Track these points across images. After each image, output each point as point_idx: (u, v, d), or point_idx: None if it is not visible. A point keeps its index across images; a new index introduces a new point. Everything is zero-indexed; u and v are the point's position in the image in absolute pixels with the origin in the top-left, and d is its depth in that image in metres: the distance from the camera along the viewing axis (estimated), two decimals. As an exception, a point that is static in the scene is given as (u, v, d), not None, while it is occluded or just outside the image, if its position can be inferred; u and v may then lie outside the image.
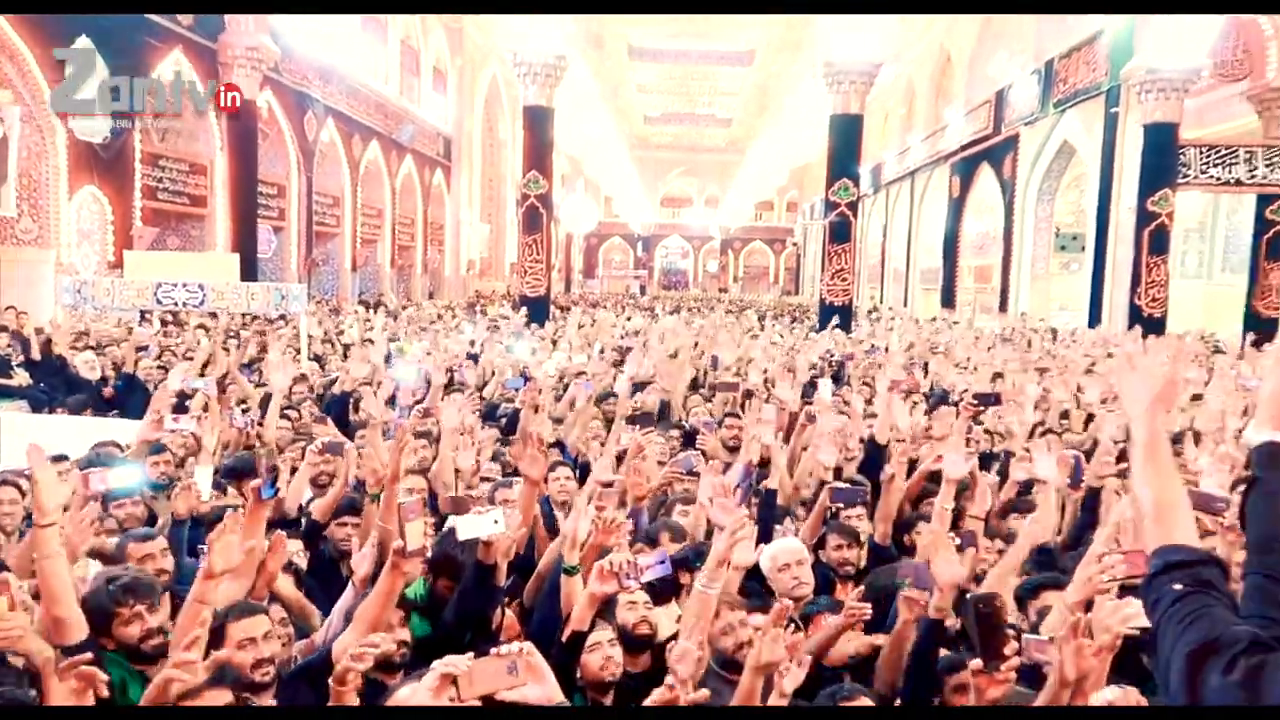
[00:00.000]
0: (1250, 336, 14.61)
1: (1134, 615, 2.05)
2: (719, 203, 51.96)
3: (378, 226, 24.89)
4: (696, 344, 10.23)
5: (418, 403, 5.90)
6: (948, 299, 24.42)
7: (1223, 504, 3.22)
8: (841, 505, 4.14)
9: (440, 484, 4.28)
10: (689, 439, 5.58)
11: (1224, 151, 15.98)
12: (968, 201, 24.07)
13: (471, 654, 1.81)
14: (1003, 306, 21.20)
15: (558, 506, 4.11)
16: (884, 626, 3.03)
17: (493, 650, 1.82)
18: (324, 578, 3.53)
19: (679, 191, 53.80)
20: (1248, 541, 1.48)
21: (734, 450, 5.11)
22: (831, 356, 9.87)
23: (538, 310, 16.46)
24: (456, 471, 4.40)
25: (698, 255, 54.41)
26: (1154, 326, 15.15)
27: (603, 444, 5.21)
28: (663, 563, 2.58)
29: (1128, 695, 1.85)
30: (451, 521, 3.07)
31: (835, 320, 15.52)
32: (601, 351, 10.22)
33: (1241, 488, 1.63)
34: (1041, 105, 18.92)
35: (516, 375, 7.29)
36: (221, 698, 2.13)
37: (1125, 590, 2.34)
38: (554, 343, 11.20)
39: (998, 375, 8.88)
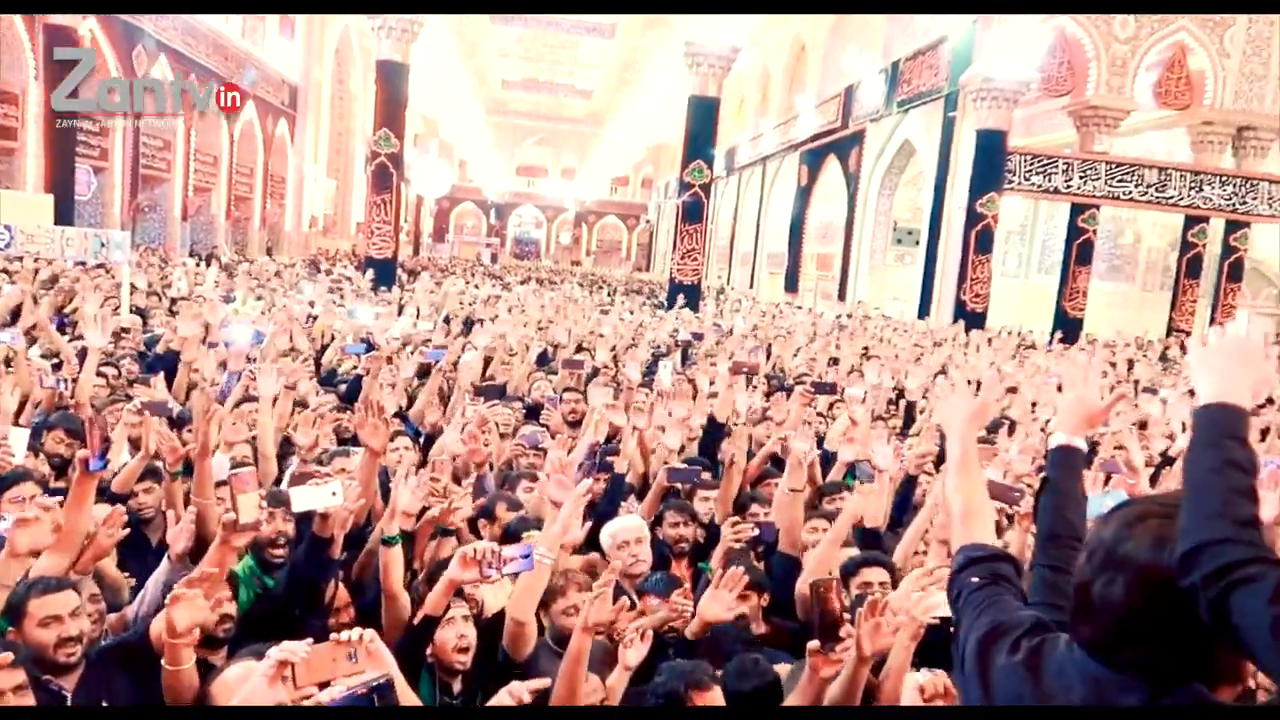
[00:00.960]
0: (1059, 334, 15.88)
1: (935, 605, 2.21)
2: (575, 174, 51.73)
3: (213, 174, 23.45)
4: (540, 323, 10.18)
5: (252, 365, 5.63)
6: (792, 284, 25.27)
7: (1018, 494, 3.48)
8: (679, 484, 4.24)
9: (261, 455, 4.08)
10: (532, 413, 5.56)
11: (1045, 161, 17.19)
12: (815, 191, 24.91)
13: (310, 640, 1.76)
14: (841, 294, 22.12)
15: (396, 478, 4.02)
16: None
17: (332, 636, 1.78)
18: (129, 544, 3.31)
19: (535, 160, 53.19)
20: (1037, 536, 1.63)
21: (575, 425, 5.13)
22: (678, 335, 10.03)
23: (384, 273, 15.97)
24: (291, 443, 4.23)
25: (551, 226, 54.03)
26: (976, 321, 16.22)
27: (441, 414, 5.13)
28: (526, 556, 2.56)
29: (936, 678, 1.99)
30: (288, 492, 2.96)
31: (681, 300, 15.77)
32: (448, 320, 10.05)
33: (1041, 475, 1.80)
34: (887, 104, 19.74)
35: (358, 340, 7.06)
36: (12, 679, 1.98)
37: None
38: (400, 308, 10.90)
39: (834, 360, 9.30)
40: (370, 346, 6.55)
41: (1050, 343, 14.55)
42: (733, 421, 5.07)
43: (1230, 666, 1.19)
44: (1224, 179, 17.43)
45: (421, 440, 4.84)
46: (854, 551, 3.46)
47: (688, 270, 17.62)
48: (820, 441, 5.29)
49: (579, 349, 8.32)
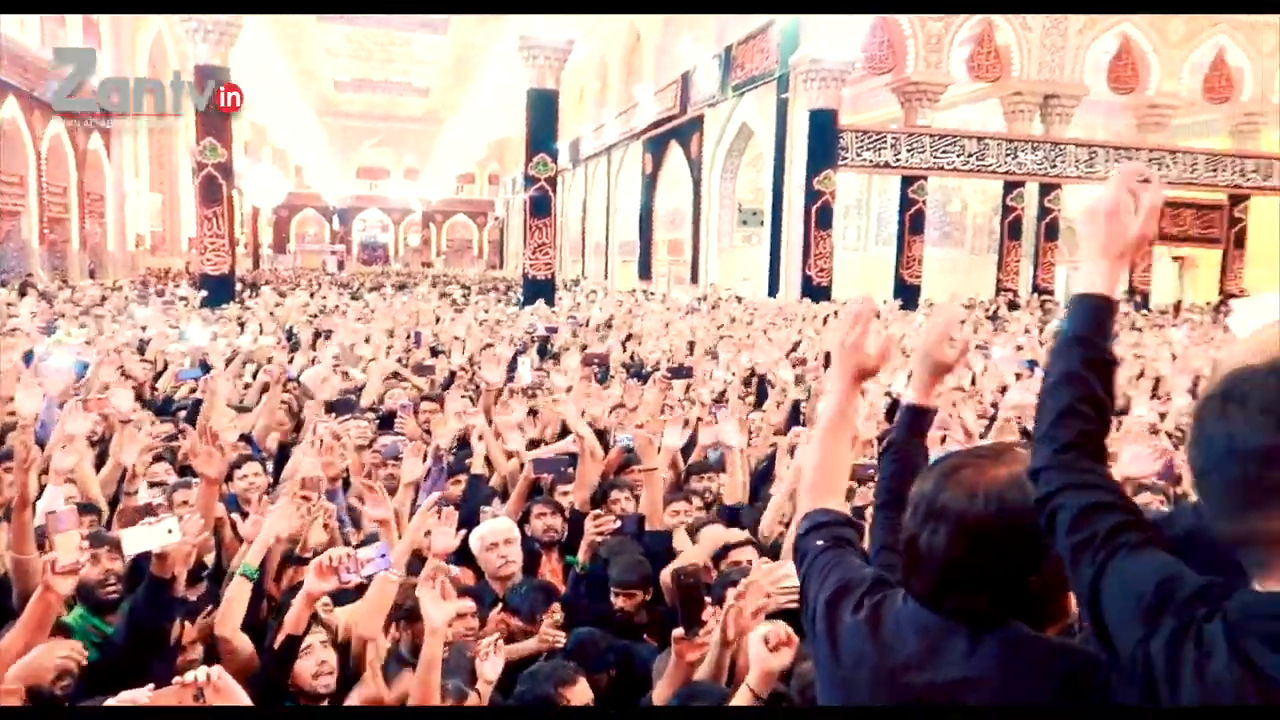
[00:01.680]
0: (899, 301, 16.64)
1: (784, 577, 2.25)
2: (419, 175, 50.58)
3: (20, 197, 21.71)
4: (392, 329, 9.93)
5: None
6: (645, 271, 25.53)
7: (873, 470, 3.63)
8: (545, 476, 4.23)
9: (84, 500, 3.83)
10: (386, 422, 5.42)
11: (875, 137, 17.96)
12: (660, 178, 25.22)
13: (151, 685, 1.67)
14: (694, 278, 22.50)
15: (247, 505, 3.85)
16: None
17: (175, 679, 1.70)
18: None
19: (376, 162, 51.68)
20: (877, 495, 1.67)
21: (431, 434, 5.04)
22: (534, 331, 9.99)
23: (221, 289, 15.21)
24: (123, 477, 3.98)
25: (398, 229, 52.70)
26: (822, 294, 16.81)
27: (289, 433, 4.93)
28: (384, 555, 2.49)
29: (777, 628, 2.01)
30: (118, 534, 2.78)
31: (533, 306, 15.69)
32: (290, 333, 9.67)
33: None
34: (722, 89, 20.17)
35: (195, 364, 6.70)
36: None
37: None
38: (242, 325, 10.41)
39: (691, 344, 9.46)
40: (208, 368, 6.22)
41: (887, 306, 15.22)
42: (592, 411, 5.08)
43: (1051, 602, 1.26)
44: (1035, 145, 18.66)
45: (270, 463, 4.65)
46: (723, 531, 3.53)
47: (540, 265, 17.54)
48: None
49: (433, 353, 8.17)
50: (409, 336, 8.99)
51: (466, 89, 35.03)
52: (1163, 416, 6.07)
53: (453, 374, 6.49)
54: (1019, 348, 9.35)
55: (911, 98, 18.10)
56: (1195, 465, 0.95)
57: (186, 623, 2.80)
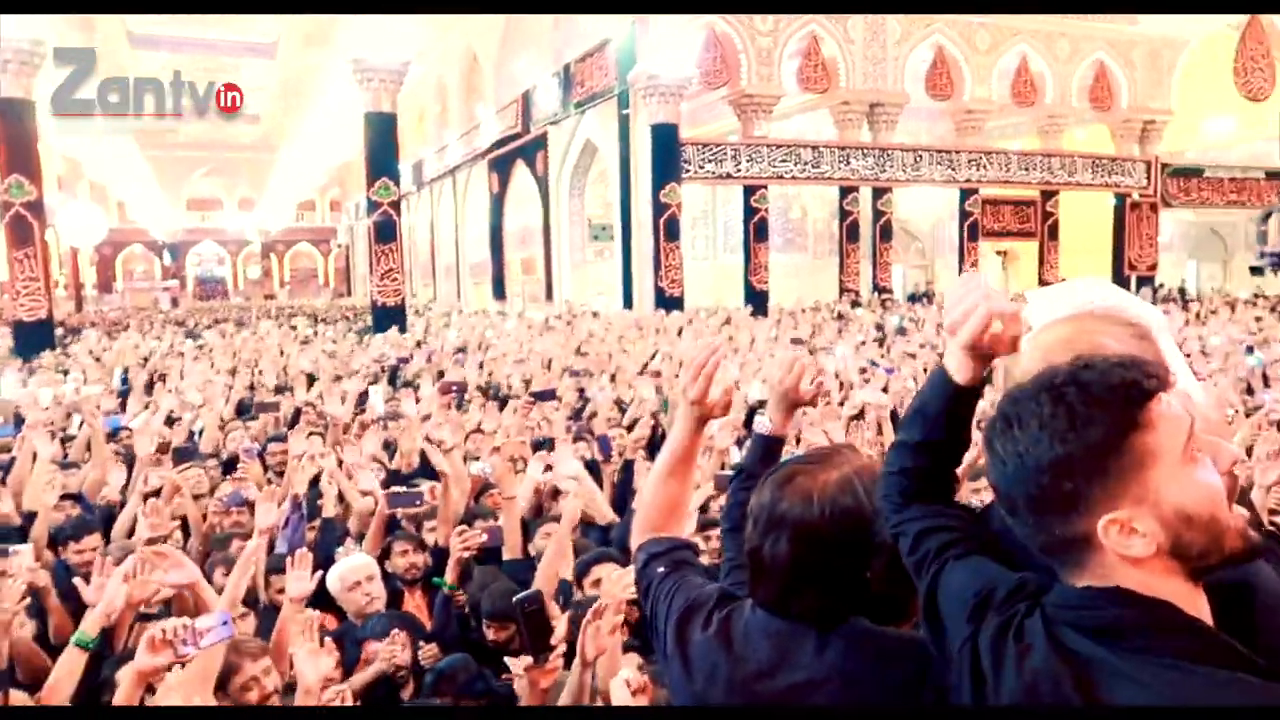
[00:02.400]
0: (749, 308, 17.11)
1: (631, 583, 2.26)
2: (255, 204, 48.51)
3: None
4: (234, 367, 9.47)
5: None
6: (499, 291, 25.31)
7: None
8: (401, 510, 4.12)
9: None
10: (229, 468, 5.15)
11: (715, 149, 18.43)
12: (508, 197, 25.08)
13: None
14: (549, 295, 22.46)
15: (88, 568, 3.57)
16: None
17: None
18: None
19: (207, 193, 49.28)
20: (724, 523, 1.70)
21: (283, 475, 4.83)
22: (384, 360, 9.72)
23: (39, 336, 14.15)
24: None
25: (236, 261, 50.38)
26: (675, 304, 17.09)
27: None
28: (225, 623, 2.32)
29: (636, 673, 2.01)
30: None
31: (384, 333, 15.30)
32: (125, 376, 9.07)
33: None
34: (564, 106, 20.26)
35: (7, 420, 6.19)
36: None
37: None
38: (65, 372, 9.70)
39: (549, 363, 9.42)
40: (22, 423, 5.76)
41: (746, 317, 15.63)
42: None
43: (894, 600, 1.30)
44: (865, 151, 19.57)
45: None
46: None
47: (389, 291, 17.12)
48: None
49: (278, 390, 7.83)
50: (252, 373, 8.60)
51: (301, 114, 33.89)
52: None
53: (298, 411, 6.23)
54: (861, 343, 9.76)
55: (747, 110, 18.67)
56: (995, 486, 1.00)
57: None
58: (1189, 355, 9.73)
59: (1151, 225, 22.48)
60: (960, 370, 1.13)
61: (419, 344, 11.69)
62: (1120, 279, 21.86)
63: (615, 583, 2.34)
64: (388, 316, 16.48)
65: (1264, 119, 23.95)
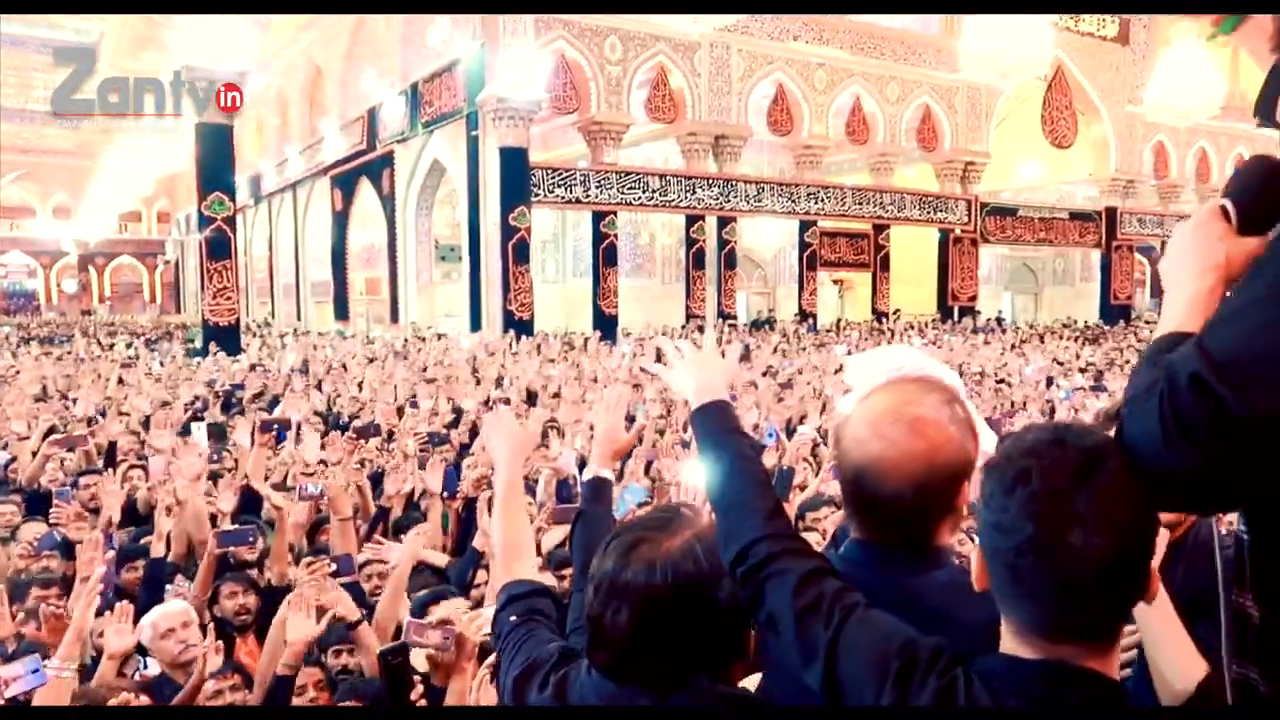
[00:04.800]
0: (598, 333, 17.24)
1: (485, 621, 2.28)
2: (72, 213, 45.16)
3: None
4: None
5: None
6: (342, 311, 24.52)
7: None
8: (231, 548, 3.93)
9: None
10: (37, 505, 4.77)
11: (565, 174, 18.55)
12: (352, 214, 24.39)
13: None
14: (394, 317, 21.94)
15: None
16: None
17: None
18: None
19: (17, 200, 45.50)
20: (574, 565, 1.74)
21: (98, 513, 4.52)
22: (216, 385, 9.25)
23: None
24: None
25: (50, 273, 46.69)
26: (524, 328, 17.04)
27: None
28: (35, 670, 2.17)
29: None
30: None
31: (216, 355, 14.57)
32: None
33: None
34: (411, 125, 19.94)
35: None
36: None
37: None
38: None
39: (395, 388, 9.19)
40: None
41: (586, 344, 15.73)
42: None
43: (730, 647, 1.33)
44: (710, 181, 20.15)
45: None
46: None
47: (222, 310, 16.31)
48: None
49: (88, 422, 7.29)
50: (63, 398, 7.99)
51: (126, 120, 31.90)
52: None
53: (113, 444, 5.82)
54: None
55: (597, 137, 18.89)
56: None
57: None
58: (1002, 381, 10.49)
59: (972, 259, 24.10)
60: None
61: (253, 367, 11.18)
62: (945, 308, 23.35)
63: (467, 625, 2.35)
64: (221, 337, 15.69)
65: (1068, 164, 26.24)
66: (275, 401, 8.26)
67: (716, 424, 1.39)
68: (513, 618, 1.52)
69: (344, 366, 11.26)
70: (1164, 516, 1.01)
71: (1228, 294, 1.03)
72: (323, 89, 26.19)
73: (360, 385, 9.26)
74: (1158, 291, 28.56)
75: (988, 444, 1.38)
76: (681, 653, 1.28)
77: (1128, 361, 13.97)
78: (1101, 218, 26.15)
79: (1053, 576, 0.94)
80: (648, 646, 1.28)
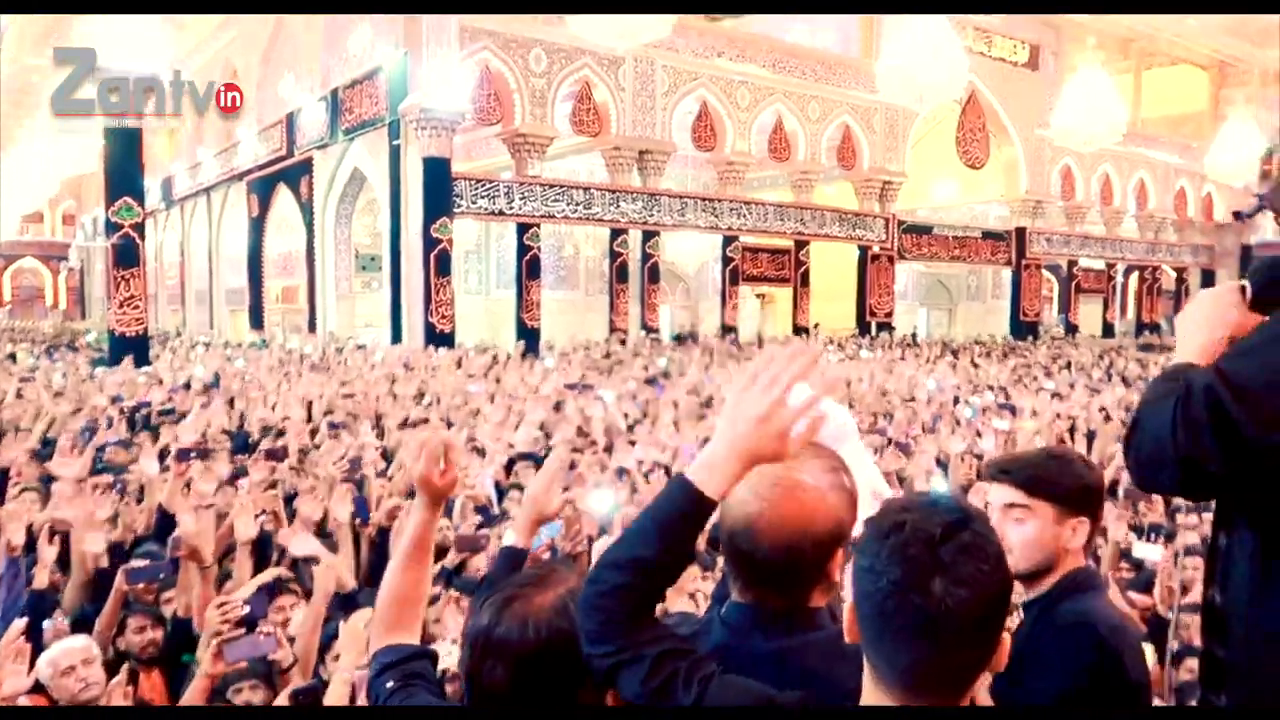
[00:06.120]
0: (521, 344, 17.18)
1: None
2: (-32, 213, 43.08)
3: None
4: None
5: None
6: (257, 320, 23.92)
7: (483, 541, 3.70)
8: (142, 584, 3.82)
9: None
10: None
11: (488, 185, 18.46)
12: (269, 221, 23.84)
13: None
14: (312, 326, 21.50)
15: None
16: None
17: None
18: None
19: (-92, 198, 43.26)
20: None
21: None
22: (121, 401, 8.94)
23: None
24: None
25: (-57, 276, 44.51)
26: (445, 340, 16.88)
27: None
28: None
29: None
30: None
31: (122, 366, 14.06)
32: None
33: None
34: (331, 132, 19.61)
35: None
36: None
37: None
38: None
39: (310, 404, 9.00)
40: None
41: (522, 356, 15.65)
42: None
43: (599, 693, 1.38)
44: (634, 195, 20.27)
45: None
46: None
47: (130, 320, 15.75)
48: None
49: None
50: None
51: (29, 119, 30.66)
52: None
53: (4, 471, 5.58)
54: (633, 396, 10.05)
55: (521, 149, 18.84)
56: None
57: None
58: (913, 399, 10.78)
59: (889, 276, 24.71)
60: (723, 483, 1.20)
61: (161, 381, 10.83)
62: (863, 324, 23.88)
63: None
64: (128, 347, 15.15)
65: (981, 185, 27.14)
66: (184, 418, 8.02)
67: (668, 516, 1.26)
68: (389, 684, 1.49)
69: (258, 381, 10.96)
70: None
71: (1242, 338, 1.27)
72: (240, 93, 25.53)
73: (273, 405, 9.01)
74: (1065, 308, 29.76)
75: (881, 489, 1.46)
76: (554, 709, 1.32)
77: (1035, 378, 14.49)
78: (1012, 237, 27.09)
79: (915, 620, 1.03)
80: (522, 702, 1.31)
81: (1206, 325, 1.33)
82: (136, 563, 3.90)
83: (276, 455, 5.50)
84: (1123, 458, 1.22)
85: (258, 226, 23.96)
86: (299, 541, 3.87)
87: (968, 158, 25.33)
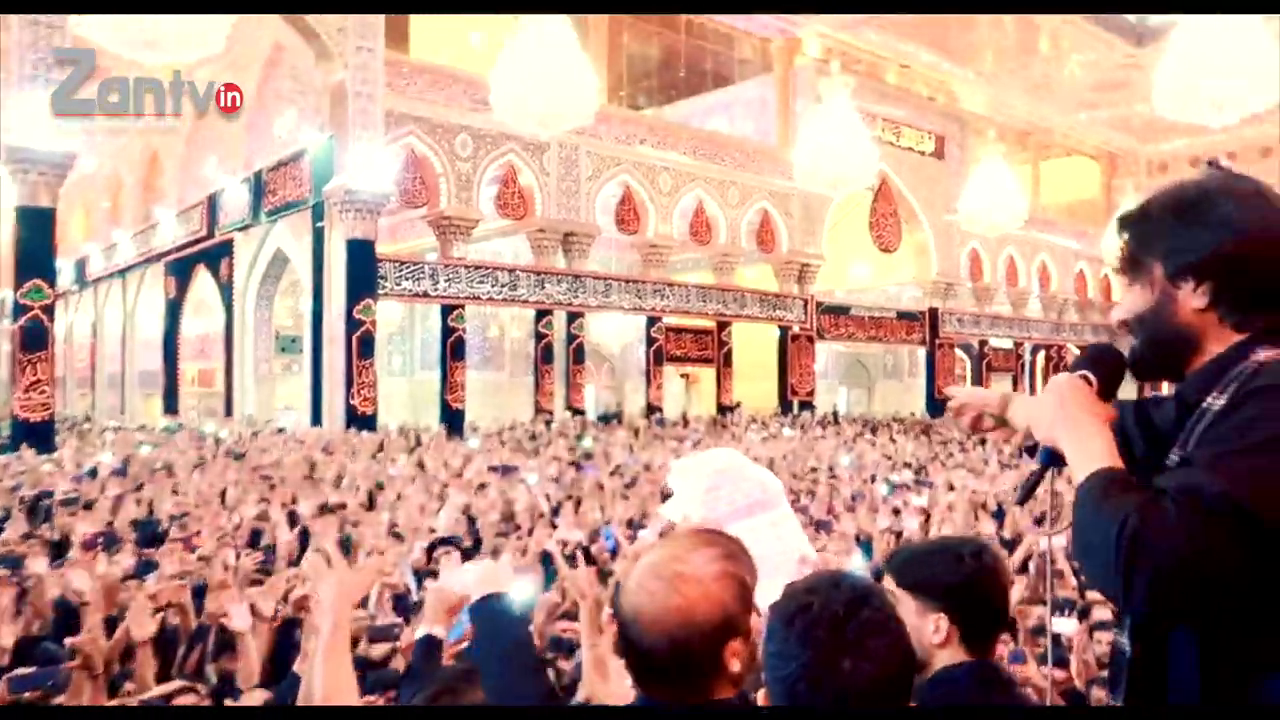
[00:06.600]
0: (444, 426, 17.04)
1: None
2: None
3: None
4: None
5: None
6: (171, 405, 23.23)
7: (397, 630, 3.64)
8: (26, 694, 3.63)
9: None
10: None
11: (413, 266, 18.50)
12: (186, 303, 23.39)
13: None
14: (229, 410, 20.99)
15: None
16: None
17: None
18: None
19: None
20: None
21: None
22: (20, 491, 8.58)
23: None
24: None
25: None
26: (367, 423, 16.65)
27: None
28: None
29: None
30: None
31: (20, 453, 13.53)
32: None
33: None
34: (254, 213, 19.49)
35: None
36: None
37: None
38: None
39: (224, 492, 8.77)
40: None
41: (446, 437, 15.51)
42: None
43: None
44: (559, 277, 20.50)
45: None
46: None
47: (35, 405, 15.17)
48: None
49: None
50: None
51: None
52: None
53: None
54: (555, 478, 10.03)
55: (446, 231, 18.98)
56: None
57: None
58: (835, 477, 10.97)
59: (809, 355, 25.29)
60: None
61: (64, 468, 10.44)
62: (785, 403, 24.29)
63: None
64: (33, 433, 14.58)
65: (895, 267, 28.17)
66: (89, 507, 7.73)
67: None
68: None
69: (168, 469, 10.64)
70: None
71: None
72: (160, 173, 25.31)
73: (176, 490, 8.75)
74: (978, 386, 30.66)
75: (809, 554, 1.53)
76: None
77: (950, 455, 14.90)
78: (925, 317, 28.06)
79: (825, 699, 1.08)
80: None
81: (1088, 423, 1.22)
82: (21, 670, 3.73)
83: (188, 545, 5.35)
84: (1122, 583, 1.07)
85: (174, 308, 23.47)
86: (237, 613, 3.75)
87: (881, 241, 26.35)
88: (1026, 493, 1.34)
